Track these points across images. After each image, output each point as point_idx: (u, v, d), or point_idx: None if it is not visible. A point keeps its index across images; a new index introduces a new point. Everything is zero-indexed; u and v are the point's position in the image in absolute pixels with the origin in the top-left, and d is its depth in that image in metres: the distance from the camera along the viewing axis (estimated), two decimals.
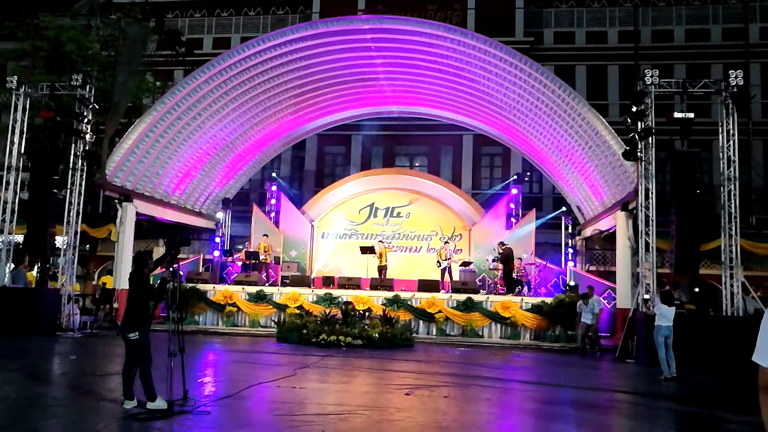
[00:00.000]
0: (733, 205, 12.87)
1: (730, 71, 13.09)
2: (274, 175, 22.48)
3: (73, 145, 15.13)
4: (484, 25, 23.61)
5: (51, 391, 8.04)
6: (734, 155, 13.03)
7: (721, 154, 13.17)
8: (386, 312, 14.97)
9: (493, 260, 18.32)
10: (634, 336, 13.01)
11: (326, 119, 21.70)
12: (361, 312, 14.93)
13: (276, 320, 15.54)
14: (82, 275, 19.12)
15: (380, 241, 19.01)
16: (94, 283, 19.82)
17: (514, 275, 17.45)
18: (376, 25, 16.32)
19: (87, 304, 16.58)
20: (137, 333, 6.70)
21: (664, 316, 10.86)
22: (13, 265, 15.12)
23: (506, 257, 17.05)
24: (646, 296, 12.91)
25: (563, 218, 19.99)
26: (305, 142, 25.20)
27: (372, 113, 22.16)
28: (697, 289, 18.53)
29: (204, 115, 17.59)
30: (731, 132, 13.07)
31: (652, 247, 13.10)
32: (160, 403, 6.62)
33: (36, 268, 16.53)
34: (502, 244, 17.47)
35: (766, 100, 23.56)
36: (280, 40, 16.52)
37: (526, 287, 17.83)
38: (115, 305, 15.91)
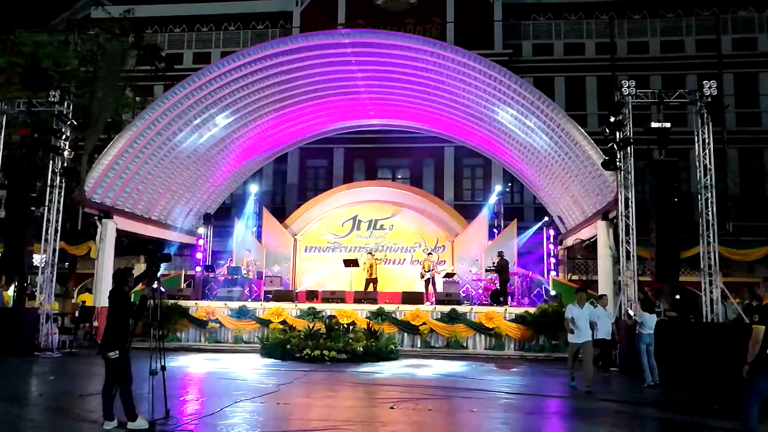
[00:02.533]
0: (710, 213, 13.07)
1: (705, 81, 13.40)
2: (254, 189, 22.35)
3: (51, 161, 14.94)
4: (463, 38, 23.85)
5: (29, 413, 7.87)
6: (710, 164, 13.26)
7: (697, 163, 13.40)
8: (370, 325, 14.92)
9: (486, 270, 18.36)
10: (617, 344, 13.10)
11: (308, 133, 21.69)
12: (345, 326, 14.86)
13: (259, 335, 15.41)
14: (61, 293, 18.77)
15: (369, 253, 18.91)
16: (73, 301, 19.46)
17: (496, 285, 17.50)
18: (356, 39, 16.40)
19: (66, 323, 16.29)
20: (117, 352, 6.61)
21: (646, 323, 10.98)
22: None
23: (502, 267, 17.12)
24: (628, 304, 13.01)
25: (545, 228, 20.13)
26: (287, 156, 25.15)
27: (353, 126, 22.21)
28: (678, 297, 18.72)
29: (184, 131, 17.48)
30: (707, 141, 13.31)
31: (633, 256, 13.24)
32: (141, 423, 6.52)
33: (12, 287, 16.22)
34: (500, 254, 17.52)
35: (739, 109, 24.07)
36: (260, 54, 16.52)
37: (510, 297, 17.87)
38: (95, 324, 15.66)
